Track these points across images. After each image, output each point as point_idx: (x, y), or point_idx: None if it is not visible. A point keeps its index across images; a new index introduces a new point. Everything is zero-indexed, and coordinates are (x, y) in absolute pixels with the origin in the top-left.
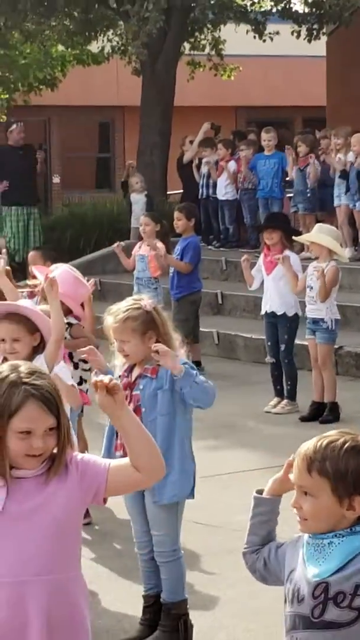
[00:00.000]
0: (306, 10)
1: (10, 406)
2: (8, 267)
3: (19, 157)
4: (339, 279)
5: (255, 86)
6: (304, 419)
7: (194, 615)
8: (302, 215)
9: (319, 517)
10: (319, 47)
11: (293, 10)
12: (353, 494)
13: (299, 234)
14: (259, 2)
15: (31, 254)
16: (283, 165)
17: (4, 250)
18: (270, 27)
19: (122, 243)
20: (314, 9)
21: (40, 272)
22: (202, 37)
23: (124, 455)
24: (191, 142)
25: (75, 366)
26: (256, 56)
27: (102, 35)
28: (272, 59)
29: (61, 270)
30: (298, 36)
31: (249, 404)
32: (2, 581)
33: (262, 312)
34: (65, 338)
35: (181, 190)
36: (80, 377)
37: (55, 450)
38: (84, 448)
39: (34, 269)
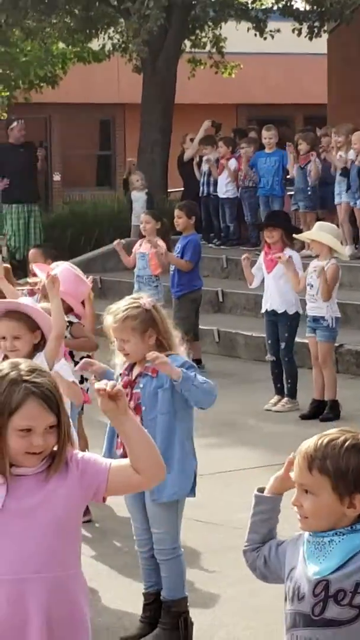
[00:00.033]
0: (307, 7)
1: (10, 404)
2: (8, 265)
3: (19, 155)
4: (339, 277)
5: (256, 84)
6: (304, 417)
7: (194, 613)
8: (303, 213)
9: (319, 515)
10: (320, 44)
11: (294, 7)
12: (354, 492)
13: (300, 231)
14: (260, 0)
15: (32, 251)
16: (284, 163)
17: (4, 249)
18: (271, 25)
19: (123, 241)
20: (315, 7)
21: (40, 270)
22: (203, 34)
23: (125, 454)
24: (192, 139)
25: (76, 364)
26: (257, 54)
27: (102, 32)
28: (273, 56)
29: (62, 268)
30: (299, 34)
31: (250, 402)
32: (2, 579)
33: (263, 310)
34: (66, 337)
35: (182, 188)
36: (81, 376)
37: (55, 448)
38: (84, 446)
39: (34, 267)
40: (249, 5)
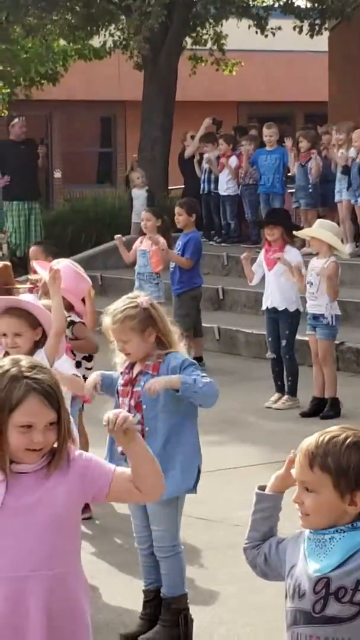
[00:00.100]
0: (308, 5)
1: (11, 400)
2: (8, 263)
3: (20, 152)
4: (339, 275)
5: (257, 81)
6: (304, 415)
7: (194, 610)
8: (304, 211)
9: (320, 512)
10: (321, 42)
11: (295, 5)
12: (355, 489)
13: (300, 229)
14: None
15: (32, 248)
16: (284, 160)
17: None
18: (272, 22)
19: (123, 239)
20: (316, 4)
21: (41, 267)
22: (204, 32)
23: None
24: (192, 137)
25: (78, 364)
26: (258, 51)
27: (104, 29)
28: (274, 54)
29: (62, 265)
30: (300, 31)
31: (250, 399)
32: (2, 576)
33: (263, 308)
34: (67, 336)
35: (182, 186)
36: (83, 376)
37: (55, 445)
38: (85, 443)
39: (35, 264)
40: (250, 3)
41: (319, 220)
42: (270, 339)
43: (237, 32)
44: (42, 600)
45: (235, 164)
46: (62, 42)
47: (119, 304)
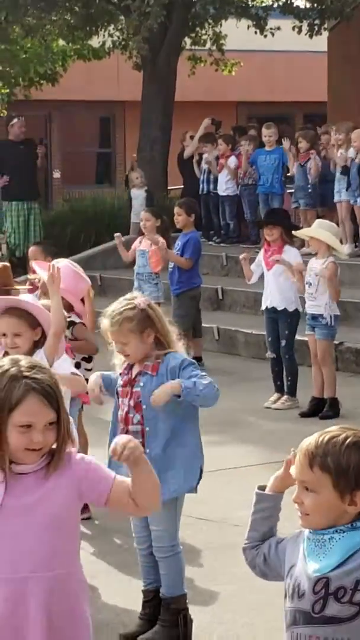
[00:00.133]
0: (307, 5)
1: (10, 400)
2: (7, 264)
3: (19, 152)
4: (338, 275)
5: (256, 81)
6: (304, 415)
7: (193, 610)
8: (303, 211)
9: (320, 512)
10: (320, 42)
11: (294, 5)
12: (354, 489)
13: (299, 229)
14: None
15: (31, 249)
16: (284, 160)
17: (4, 246)
18: (272, 23)
19: (122, 238)
20: (315, 4)
21: (40, 267)
22: (203, 32)
23: None
24: (192, 137)
25: (77, 365)
26: (257, 51)
27: (103, 29)
28: (273, 54)
29: (62, 265)
30: (299, 31)
31: (249, 399)
32: (2, 577)
33: (263, 308)
34: (67, 337)
35: (182, 186)
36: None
37: (55, 445)
38: (84, 443)
39: (34, 264)
40: (249, 3)
41: (318, 221)
42: (269, 339)
43: (236, 32)
44: (42, 601)
45: (234, 164)
46: (61, 42)
47: (117, 306)
